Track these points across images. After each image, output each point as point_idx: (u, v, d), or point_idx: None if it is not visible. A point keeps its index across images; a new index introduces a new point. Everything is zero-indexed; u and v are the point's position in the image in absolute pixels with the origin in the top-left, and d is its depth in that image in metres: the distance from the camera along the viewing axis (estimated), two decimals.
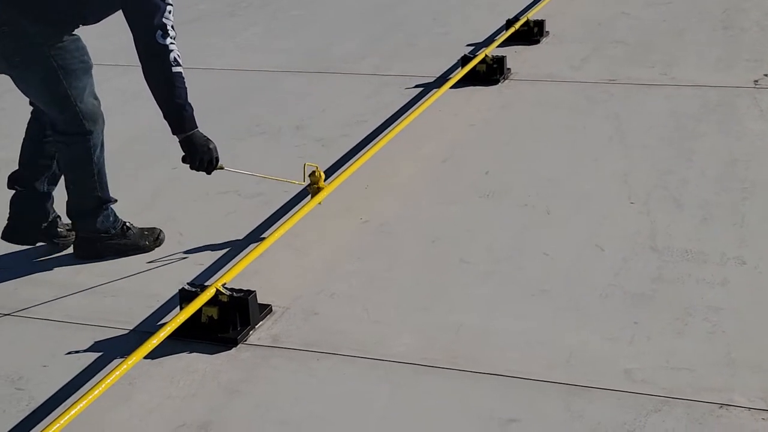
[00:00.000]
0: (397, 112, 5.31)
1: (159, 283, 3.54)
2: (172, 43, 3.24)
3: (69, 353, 3.14)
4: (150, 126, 4.62)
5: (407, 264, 3.66)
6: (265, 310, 3.33)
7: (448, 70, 6.00)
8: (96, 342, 3.20)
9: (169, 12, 3.25)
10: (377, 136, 4.89)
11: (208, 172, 3.49)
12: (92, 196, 3.58)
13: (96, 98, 3.51)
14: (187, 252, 3.80)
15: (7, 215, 3.71)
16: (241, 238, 3.91)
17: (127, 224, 3.71)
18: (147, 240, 3.74)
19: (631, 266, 3.56)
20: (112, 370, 2.80)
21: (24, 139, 3.72)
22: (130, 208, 3.93)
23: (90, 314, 3.38)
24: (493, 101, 5.45)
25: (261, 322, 3.28)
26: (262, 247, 3.52)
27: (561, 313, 3.30)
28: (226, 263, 3.68)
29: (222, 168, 3.54)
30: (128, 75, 5.47)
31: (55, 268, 3.75)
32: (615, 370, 2.95)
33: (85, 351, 3.15)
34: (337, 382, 2.97)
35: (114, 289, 3.54)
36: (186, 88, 3.32)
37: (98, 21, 3.52)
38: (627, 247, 3.70)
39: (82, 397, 2.66)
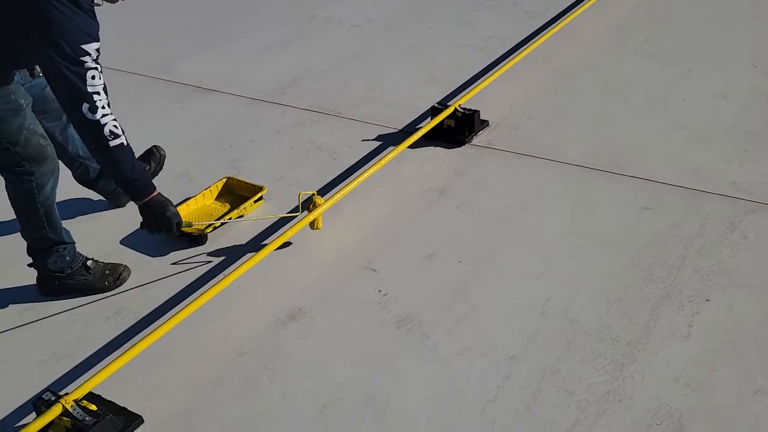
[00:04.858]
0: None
1: (420, 101, 3.61)
2: (104, 116, 2.00)
3: (363, 140, 3.36)
4: None
5: (584, 99, 3.58)
6: (484, 123, 3.40)
7: None
8: (379, 135, 3.40)
9: (93, 77, 1.98)
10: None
11: (172, 233, 2.29)
12: (41, 237, 2.37)
13: (44, 137, 2.26)
14: (436, 81, 3.84)
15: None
16: (474, 73, 3.90)
17: (89, 262, 2.45)
18: (107, 280, 2.47)
19: (748, 111, 3.32)
20: (387, 154, 3.01)
21: None
22: None
23: (375, 119, 3.54)
24: None
25: (481, 131, 3.36)
26: (486, 82, 3.56)
27: (692, 140, 3.17)
28: (462, 91, 3.71)
29: (190, 225, 2.46)
30: None
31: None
32: (725, 182, 2.85)
33: (372, 140, 3.36)
34: (528, 174, 3.05)
35: (389, 102, 3.67)
36: (131, 158, 2.10)
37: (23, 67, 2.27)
38: (747, 98, 3.42)
39: (371, 166, 2.90)
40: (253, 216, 2.79)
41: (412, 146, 3.15)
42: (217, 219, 2.79)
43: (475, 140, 3.28)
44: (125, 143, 2.07)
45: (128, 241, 2.76)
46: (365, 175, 2.85)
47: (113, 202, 2.92)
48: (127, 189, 2.17)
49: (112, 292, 2.48)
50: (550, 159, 3.11)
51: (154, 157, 2.93)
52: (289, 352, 2.20)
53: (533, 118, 3.45)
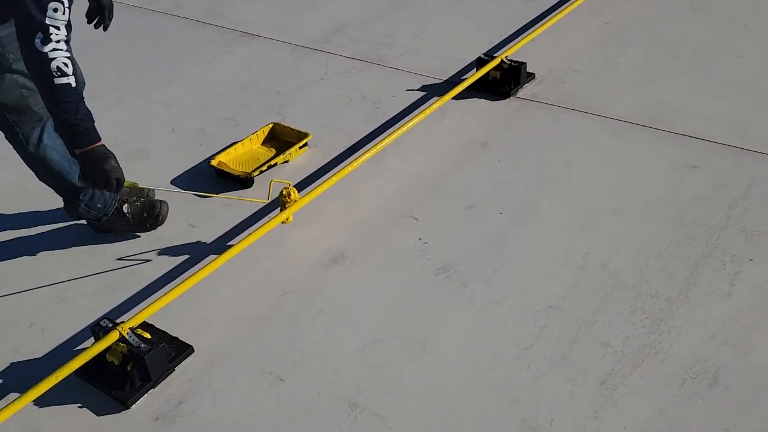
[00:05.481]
0: None
1: (465, 52, 3.58)
2: (55, 50, 1.83)
3: (407, 90, 3.35)
4: None
5: (633, 54, 3.50)
6: (530, 76, 3.36)
7: None
8: (423, 85, 3.38)
9: (56, 10, 1.82)
10: None
11: (112, 191, 2.04)
12: (55, 186, 2.32)
13: (26, 89, 2.11)
14: (482, 33, 3.79)
15: None
16: (521, 25, 3.84)
17: (124, 207, 2.40)
18: (148, 222, 2.45)
19: None
20: (431, 105, 3.01)
21: None
22: None
23: (420, 68, 3.51)
24: None
25: (526, 84, 3.32)
26: (533, 34, 3.49)
27: (743, 98, 3.09)
28: (508, 42, 3.65)
29: (136, 186, 2.19)
30: None
31: None
32: None
33: (416, 90, 3.35)
34: (573, 129, 3.02)
35: (433, 52, 3.65)
36: (77, 100, 1.91)
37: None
38: None
39: (414, 116, 2.91)
40: (223, 195, 2.55)
41: (456, 97, 3.13)
42: (263, 163, 2.83)
43: (521, 93, 3.25)
44: (72, 84, 1.86)
45: (179, 181, 2.83)
46: (408, 125, 2.85)
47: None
48: (66, 133, 1.92)
49: (164, 229, 2.56)
50: (595, 114, 3.07)
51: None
52: (331, 293, 2.27)
53: (580, 72, 3.39)
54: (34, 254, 2.49)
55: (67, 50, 1.86)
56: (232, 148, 2.94)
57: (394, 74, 3.47)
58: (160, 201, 2.45)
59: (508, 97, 3.22)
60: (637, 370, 1.96)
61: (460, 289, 2.25)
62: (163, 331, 2.09)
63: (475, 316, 2.16)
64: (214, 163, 2.83)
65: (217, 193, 2.67)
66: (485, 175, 2.76)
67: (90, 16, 2.40)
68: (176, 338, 2.08)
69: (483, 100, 3.21)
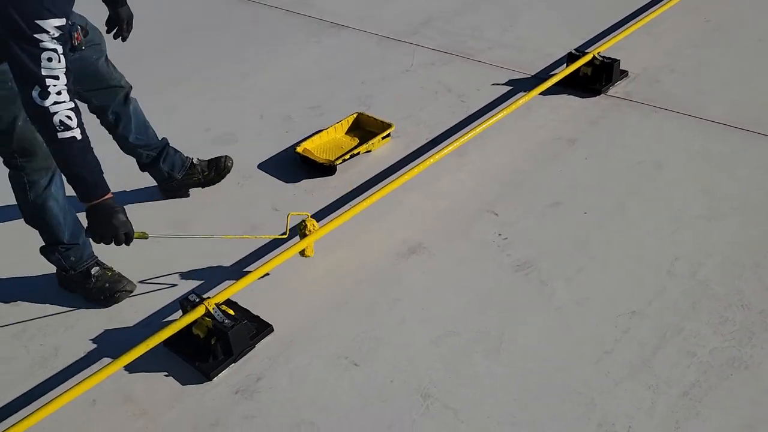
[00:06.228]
0: None
1: (555, 47, 3.52)
2: (56, 103, 1.69)
3: (494, 84, 3.32)
4: None
5: (734, 54, 3.34)
6: (623, 74, 3.26)
7: None
8: (510, 80, 3.33)
9: (50, 60, 1.68)
10: None
11: (120, 245, 1.92)
12: (45, 234, 2.20)
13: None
14: (574, 28, 3.70)
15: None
16: (616, 21, 3.72)
17: (94, 270, 2.26)
18: (103, 295, 2.26)
19: None
20: (517, 99, 2.97)
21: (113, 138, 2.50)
22: None
23: (507, 62, 3.48)
24: None
25: (619, 82, 3.23)
26: (628, 30, 3.39)
27: None
28: (601, 39, 3.55)
29: (145, 237, 2.00)
30: None
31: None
32: None
33: (502, 84, 3.32)
34: (666, 129, 2.92)
35: (522, 46, 3.58)
36: (84, 153, 1.78)
37: None
38: None
39: (500, 110, 2.88)
40: (229, 235, 2.35)
41: (544, 93, 3.08)
42: (347, 152, 2.88)
43: (612, 91, 3.16)
44: (78, 137, 1.74)
45: (264, 166, 2.92)
46: (493, 119, 2.83)
47: (167, 192, 2.66)
48: (74, 185, 1.82)
49: (249, 212, 2.65)
50: (691, 115, 2.95)
51: (218, 165, 2.68)
52: (409, 283, 2.29)
53: (676, 71, 3.26)
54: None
55: (70, 101, 1.72)
56: (317, 135, 3.01)
57: (481, 68, 3.44)
58: (128, 282, 2.27)
59: (599, 94, 3.14)
60: (724, 383, 1.88)
61: (539, 287, 2.22)
62: (245, 309, 2.17)
63: (553, 315, 2.13)
64: (299, 150, 2.90)
65: (298, 182, 2.72)
66: (570, 173, 2.70)
67: (109, 26, 2.34)
68: (257, 317, 2.15)
69: (572, 97, 3.14)
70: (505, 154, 2.84)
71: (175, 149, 2.61)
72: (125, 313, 2.24)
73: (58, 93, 1.70)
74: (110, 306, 2.25)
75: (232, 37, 4.00)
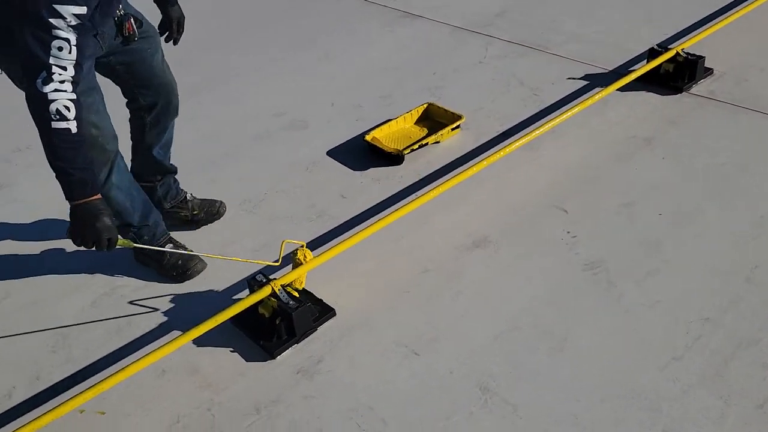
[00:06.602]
0: None
1: (634, 42, 3.41)
2: (56, 91, 1.65)
3: (569, 78, 3.25)
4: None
5: None
6: (708, 72, 3.13)
7: None
8: (586, 74, 3.27)
9: (61, 49, 1.65)
10: None
11: (101, 250, 1.81)
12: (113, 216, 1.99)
13: (95, 127, 1.97)
14: (655, 22, 3.59)
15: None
16: (701, 17, 3.58)
17: (168, 246, 2.30)
18: (175, 272, 2.31)
19: None
20: (594, 95, 2.89)
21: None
22: None
23: (584, 57, 3.40)
24: None
25: (702, 80, 3.11)
26: (714, 27, 3.24)
27: None
28: (685, 35, 3.44)
29: (130, 246, 1.94)
30: None
31: None
32: None
33: (578, 79, 3.24)
34: (753, 130, 2.79)
35: (600, 40, 3.49)
36: (75, 148, 1.70)
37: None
38: None
39: (575, 105, 2.81)
40: (222, 255, 2.25)
41: (622, 89, 2.99)
42: (415, 142, 2.88)
43: (695, 89, 3.04)
44: (72, 129, 1.67)
45: (333, 153, 2.96)
46: (567, 113, 2.77)
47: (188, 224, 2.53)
48: (60, 181, 1.73)
49: (317, 198, 2.69)
50: None
51: (210, 207, 2.56)
52: (472, 276, 2.27)
53: (766, 70, 3.10)
54: None
55: (72, 92, 1.66)
56: (387, 125, 3.02)
57: (556, 61, 3.37)
58: (199, 260, 2.31)
59: (681, 92, 3.03)
60: None
61: (607, 288, 2.17)
62: (309, 291, 2.20)
63: (622, 317, 2.07)
64: (368, 138, 2.92)
65: (366, 170, 2.73)
66: (646, 173, 2.62)
67: (161, 29, 2.27)
68: (321, 300, 2.18)
69: (651, 94, 3.04)
70: (578, 151, 2.78)
71: (176, 179, 2.51)
72: (196, 289, 2.32)
73: (62, 82, 1.65)
74: (182, 282, 2.33)
75: (306, 25, 4.06)
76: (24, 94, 1.72)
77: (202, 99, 3.37)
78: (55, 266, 2.46)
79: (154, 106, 2.26)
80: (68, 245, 2.43)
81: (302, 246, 2.14)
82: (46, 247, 2.56)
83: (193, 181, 2.70)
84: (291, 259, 2.15)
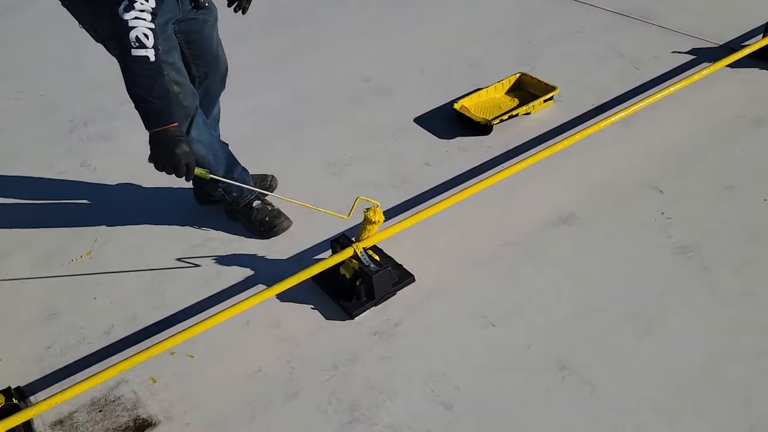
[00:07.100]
0: None
1: (748, 16, 3.21)
2: (137, 18, 1.73)
3: (674, 52, 3.10)
4: None
5: None
6: None
7: None
8: (693, 48, 3.10)
9: None
10: None
11: (181, 177, 1.88)
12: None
13: (177, 84, 2.07)
14: None
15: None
16: None
17: (255, 203, 2.38)
18: (263, 227, 2.39)
19: None
20: (700, 70, 2.73)
21: None
22: None
23: (691, 30, 3.22)
24: None
25: None
26: None
27: None
28: None
29: (206, 176, 1.96)
30: None
31: None
32: None
33: (684, 53, 3.08)
34: None
35: (710, 12, 3.30)
36: (153, 76, 1.77)
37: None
38: None
39: (678, 81, 2.66)
40: (290, 198, 2.19)
41: (733, 65, 2.82)
42: (505, 112, 2.83)
43: None
44: (151, 58, 1.75)
45: (420, 120, 2.95)
46: (669, 89, 2.63)
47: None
48: (139, 110, 1.81)
49: (401, 164, 2.70)
50: None
51: (263, 182, 2.58)
52: (556, 252, 2.23)
53: None
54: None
55: (150, 21, 1.75)
56: (476, 93, 2.97)
57: (661, 33, 3.21)
58: (285, 218, 2.39)
59: None
60: None
61: (702, 274, 2.08)
62: (390, 256, 2.22)
63: (714, 305, 1.98)
64: (456, 106, 2.89)
65: (452, 138, 2.71)
66: (753, 156, 2.47)
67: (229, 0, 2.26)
68: (401, 265, 2.20)
69: (765, 72, 2.84)
70: (679, 129, 2.65)
71: None
72: (281, 246, 2.39)
73: (142, 11, 1.73)
74: (268, 238, 2.39)
75: None
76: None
77: (290, 62, 3.42)
78: (154, 216, 2.59)
79: (204, 78, 2.30)
80: (167, 198, 2.55)
81: (377, 205, 2.09)
82: (146, 198, 2.70)
83: (279, 142, 2.77)
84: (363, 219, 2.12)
